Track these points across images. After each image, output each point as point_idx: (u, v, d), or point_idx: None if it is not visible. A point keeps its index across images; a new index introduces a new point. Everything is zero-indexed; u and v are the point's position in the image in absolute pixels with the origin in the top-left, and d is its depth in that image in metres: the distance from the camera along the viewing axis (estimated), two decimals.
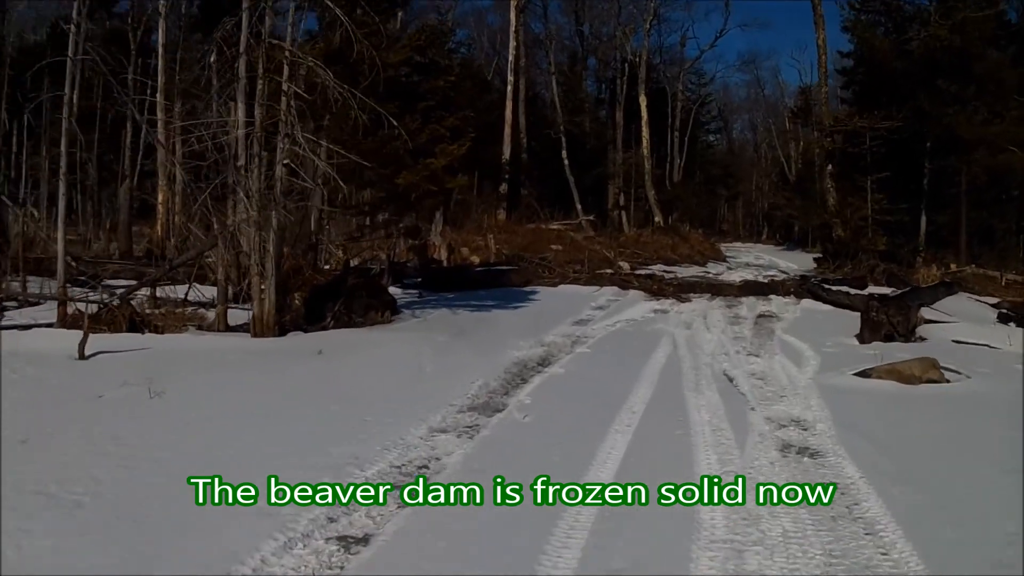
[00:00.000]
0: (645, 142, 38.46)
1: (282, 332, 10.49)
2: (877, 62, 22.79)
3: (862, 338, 11.10)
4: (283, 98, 10.31)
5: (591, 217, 33.38)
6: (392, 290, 15.54)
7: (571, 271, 20.00)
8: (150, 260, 16.75)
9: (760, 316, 13.83)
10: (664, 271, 27.59)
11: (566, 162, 37.13)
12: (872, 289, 15.91)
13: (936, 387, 8.10)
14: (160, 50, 23.70)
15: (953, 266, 21.08)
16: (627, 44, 41.79)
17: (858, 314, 13.21)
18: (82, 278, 15.11)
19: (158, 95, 21.00)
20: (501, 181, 33.75)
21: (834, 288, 15.43)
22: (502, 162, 33.79)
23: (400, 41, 11.79)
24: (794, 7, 57.40)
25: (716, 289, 17.14)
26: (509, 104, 34.39)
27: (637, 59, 40.26)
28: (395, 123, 9.70)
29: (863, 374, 8.43)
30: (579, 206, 36.41)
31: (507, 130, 33.73)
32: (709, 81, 50.53)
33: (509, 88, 34.74)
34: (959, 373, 8.65)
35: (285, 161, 10.33)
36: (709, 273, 27.93)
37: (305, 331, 10.77)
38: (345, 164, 10.96)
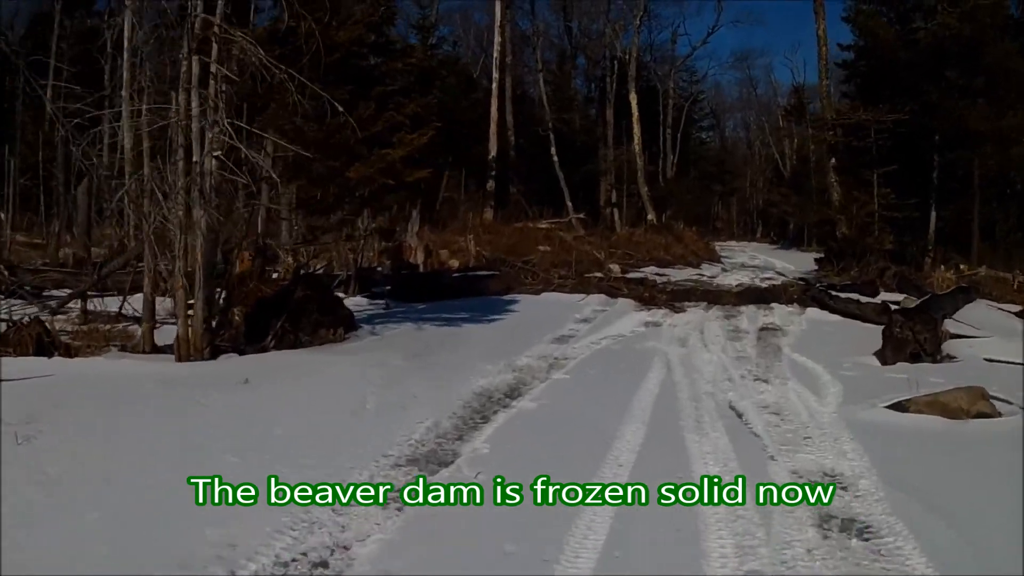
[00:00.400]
0: (636, 139, 37.01)
1: (214, 354, 8.95)
2: (881, 53, 21.35)
3: (884, 358, 9.59)
4: (212, 81, 8.78)
5: (581, 215, 31.90)
6: (357, 300, 14.04)
7: (556, 276, 18.53)
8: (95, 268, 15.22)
9: (763, 329, 12.33)
10: (657, 274, 26.16)
11: (555, 159, 35.64)
12: (884, 296, 14.45)
13: (989, 423, 6.60)
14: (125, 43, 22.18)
15: (964, 267, 19.64)
16: (617, 41, 40.36)
17: (871, 326, 11.79)
18: (25, 289, 13.64)
19: (123, 90, 19.45)
20: (488, 179, 32.24)
21: (842, 295, 13.95)
22: (488, 159, 32.29)
23: (352, 17, 10.26)
24: (788, 5, 56.01)
25: (712, 297, 15.66)
26: (495, 101, 32.89)
27: (627, 56, 38.83)
28: (340, 108, 8.16)
29: (898, 407, 6.92)
30: (569, 204, 34.92)
31: (493, 127, 32.23)
32: (701, 78, 49.14)
33: (495, 84, 33.25)
34: (1010, 403, 7.16)
35: (216, 153, 8.79)
36: (704, 276, 26.49)
37: (241, 353, 9.23)
38: (294, 158, 9.47)
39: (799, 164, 52.81)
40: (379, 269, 17.28)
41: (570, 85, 44.20)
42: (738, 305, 14.77)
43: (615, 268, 25.86)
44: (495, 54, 33.80)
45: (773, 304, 14.69)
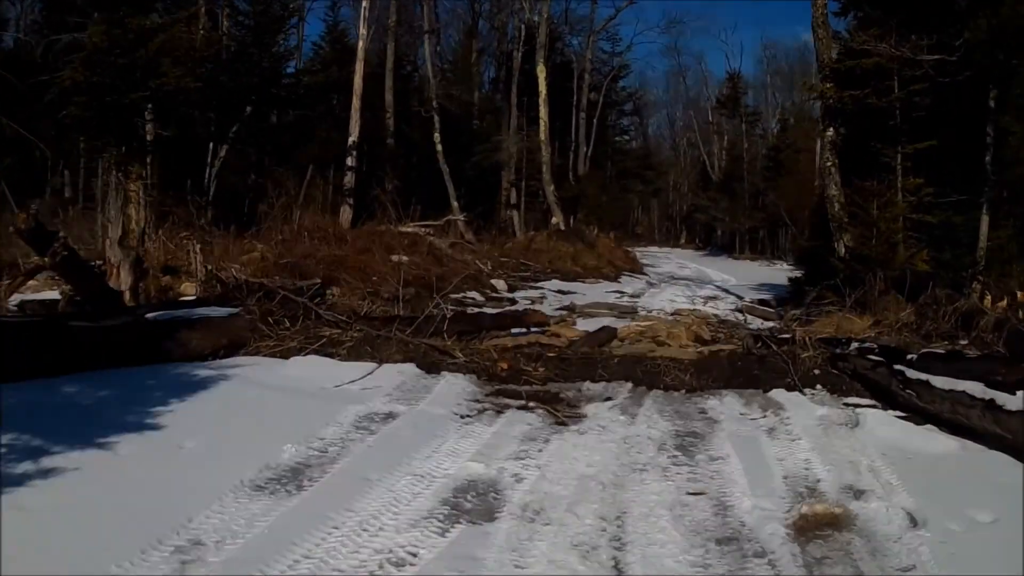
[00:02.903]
0: (543, 125, 28.81)
1: None
2: None
3: None
4: None
5: (463, 216, 23.43)
6: None
7: (378, 307, 10.28)
8: None
9: (815, 524, 4.05)
10: (560, 291, 18.10)
11: (439, 147, 27.23)
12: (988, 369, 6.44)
13: None
14: None
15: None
16: (526, 2, 32.03)
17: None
18: None
19: None
20: (345, 172, 23.57)
21: (941, 387, 5.84)
22: (348, 146, 23.66)
23: None
24: None
25: (646, 369, 7.23)
26: (359, 68, 24.13)
27: (537, 20, 30.65)
28: None
29: None
30: (455, 203, 26.59)
31: (355, 102, 23.49)
32: (626, 49, 40.99)
33: (360, 45, 24.54)
34: None
35: None
36: (623, 295, 18.38)
37: None
38: None
39: (730, 164, 45.69)
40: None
41: (471, 60, 35.73)
42: (701, 391, 6.54)
43: (501, 284, 17.72)
44: (363, 4, 25.08)
45: (774, 391, 6.49)
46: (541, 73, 28.90)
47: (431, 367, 7.02)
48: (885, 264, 10.40)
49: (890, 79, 11.50)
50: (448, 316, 8.68)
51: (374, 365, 7.11)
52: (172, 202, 18.14)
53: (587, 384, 6.58)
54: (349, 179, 23.38)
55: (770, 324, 14.38)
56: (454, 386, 6.51)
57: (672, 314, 14.67)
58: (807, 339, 6.97)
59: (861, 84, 11.60)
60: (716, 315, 15.14)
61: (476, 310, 12.86)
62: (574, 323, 12.53)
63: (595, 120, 34.38)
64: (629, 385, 6.58)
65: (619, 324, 12.82)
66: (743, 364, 6.91)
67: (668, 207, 55.07)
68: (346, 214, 22.51)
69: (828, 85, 11.87)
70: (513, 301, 15.66)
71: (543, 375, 6.71)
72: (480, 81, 36.88)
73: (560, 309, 14.86)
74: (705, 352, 7.93)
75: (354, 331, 7.67)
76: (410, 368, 6.98)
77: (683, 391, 6.49)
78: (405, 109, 31.83)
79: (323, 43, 35.37)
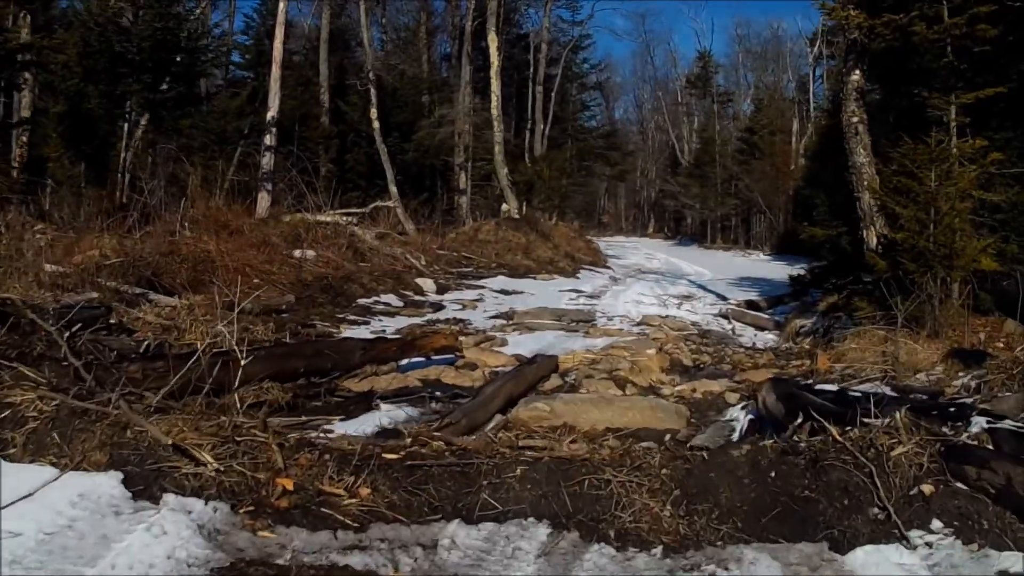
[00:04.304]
0: (495, 99, 25.02)
1: None
2: None
3: None
4: None
5: (393, 203, 19.69)
6: None
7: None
8: None
9: None
10: (502, 291, 14.64)
11: (376, 124, 23.34)
12: None
13: None
14: None
15: None
16: None
17: None
18: None
19: None
20: (263, 152, 19.66)
21: None
22: (266, 123, 19.77)
23: None
24: None
25: (579, 483, 3.57)
26: (279, 32, 20.22)
27: None
28: None
29: None
30: (393, 188, 22.80)
31: (275, 70, 19.54)
32: (587, 18, 36.99)
33: (281, 6, 20.61)
34: None
35: None
36: (580, 294, 14.91)
37: None
38: None
39: (701, 148, 42.21)
40: None
41: (419, 32, 31.79)
42: (697, 547, 2.98)
43: (428, 284, 14.14)
44: None
45: (856, 553, 2.97)
46: (493, 43, 25.15)
47: (152, 480, 3.41)
48: (948, 260, 6.92)
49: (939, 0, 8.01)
50: (265, 353, 5.06)
51: (53, 473, 3.51)
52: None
53: (452, 531, 3.00)
54: (268, 161, 19.43)
55: (769, 336, 10.97)
56: (163, 543, 2.90)
57: (639, 323, 11.13)
58: (900, 418, 3.43)
59: (900, 7, 8.10)
60: (695, 323, 11.65)
61: (369, 327, 9.27)
62: (503, 343, 8.98)
63: (553, 94, 30.40)
64: (543, 532, 3.01)
65: (568, 341, 9.33)
66: (777, 472, 3.35)
67: (635, 194, 51.78)
68: (264, 201, 18.70)
69: (853, 10, 8.32)
70: (438, 306, 12.08)
71: (364, 504, 3.12)
72: (431, 58, 33.03)
73: (494, 317, 11.30)
74: (687, 411, 4.39)
75: (47, 400, 4.01)
76: (108, 485, 3.36)
77: (658, 548, 2.93)
78: (343, 84, 28.03)
79: (255, 13, 31.50)
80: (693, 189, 39.61)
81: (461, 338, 9.40)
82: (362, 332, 9.39)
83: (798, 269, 11.25)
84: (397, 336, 7.08)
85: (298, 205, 17.06)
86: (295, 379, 5.82)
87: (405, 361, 6.80)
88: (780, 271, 23.96)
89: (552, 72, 30.91)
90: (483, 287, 15.10)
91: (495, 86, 24.88)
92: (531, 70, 29.43)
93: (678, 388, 6.81)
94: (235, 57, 27.85)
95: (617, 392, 6.24)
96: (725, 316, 12.43)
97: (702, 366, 8.29)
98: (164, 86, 17.35)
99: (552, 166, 26.91)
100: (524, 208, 24.24)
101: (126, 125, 18.03)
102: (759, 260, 30.67)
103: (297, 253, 13.27)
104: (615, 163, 35.48)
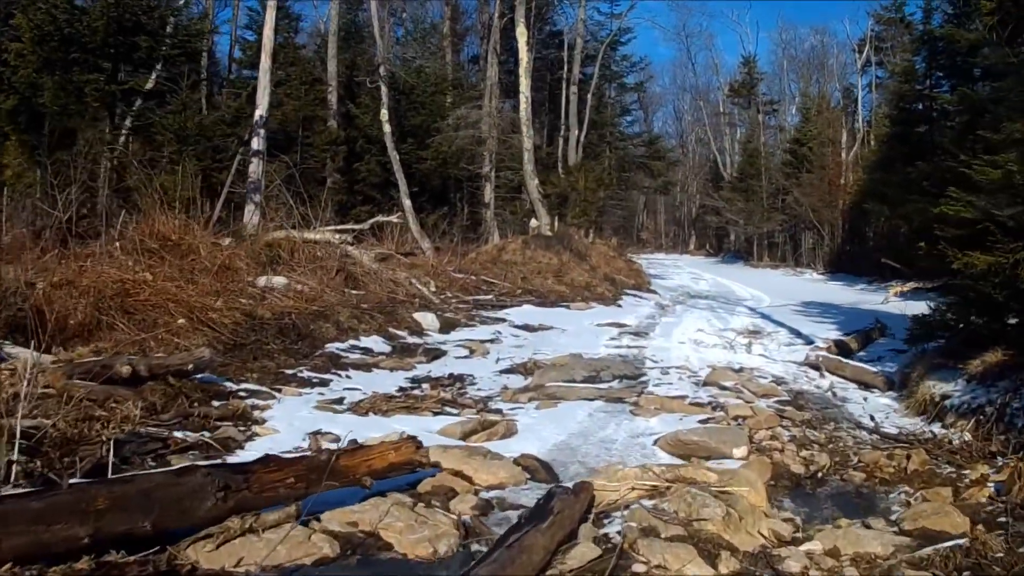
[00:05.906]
0: (524, 101, 21.95)
1: None
2: None
3: None
4: None
5: (396, 218, 16.46)
6: None
7: None
8: None
9: None
10: (525, 327, 11.67)
11: (387, 128, 20.46)
12: None
13: None
14: None
15: None
16: None
17: None
18: None
19: None
20: (250, 157, 16.64)
21: None
22: (253, 123, 16.77)
23: None
24: None
25: None
26: (269, 17, 17.14)
27: None
28: None
29: None
30: (407, 201, 19.87)
31: (263, 61, 16.51)
32: (630, 8, 33.64)
33: None
34: None
35: None
36: (624, 329, 11.75)
37: None
38: None
39: (746, 161, 38.76)
40: None
41: (444, 28, 28.78)
42: None
43: (428, 320, 11.07)
44: None
45: None
46: (522, 36, 22.10)
47: None
48: None
49: None
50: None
51: None
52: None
53: None
54: (255, 168, 16.22)
55: (885, 402, 7.74)
56: None
57: (705, 383, 7.94)
58: None
59: None
60: (778, 380, 8.43)
61: (327, 389, 6.13)
62: (508, 428, 5.88)
63: (589, 96, 27.01)
64: None
65: (607, 426, 6.18)
66: None
67: (675, 209, 48.49)
68: (251, 215, 15.73)
69: None
70: (435, 353, 8.99)
71: None
72: (456, 59, 30.13)
73: (506, 372, 8.19)
74: None
75: None
76: None
77: None
78: (355, 84, 25.13)
79: (260, 7, 28.88)
80: (737, 204, 36.23)
81: (451, 409, 6.37)
82: (311, 399, 6.37)
83: (922, 308, 7.95)
84: (301, 456, 3.97)
85: (290, 220, 14.13)
86: (75, 555, 2.83)
87: (327, 490, 3.76)
88: (843, 293, 20.70)
89: (588, 71, 27.67)
90: (503, 320, 12.04)
91: (524, 86, 21.80)
92: (565, 69, 26.24)
93: (807, 548, 3.68)
94: (237, 53, 25.07)
95: None
96: (815, 367, 9.18)
97: (822, 476, 5.11)
98: (122, 75, 14.50)
99: (588, 177, 23.73)
100: (556, 224, 21.08)
101: (123, 125, 15.39)
102: (815, 280, 27.41)
103: (261, 281, 10.27)
104: (659, 174, 32.01)
